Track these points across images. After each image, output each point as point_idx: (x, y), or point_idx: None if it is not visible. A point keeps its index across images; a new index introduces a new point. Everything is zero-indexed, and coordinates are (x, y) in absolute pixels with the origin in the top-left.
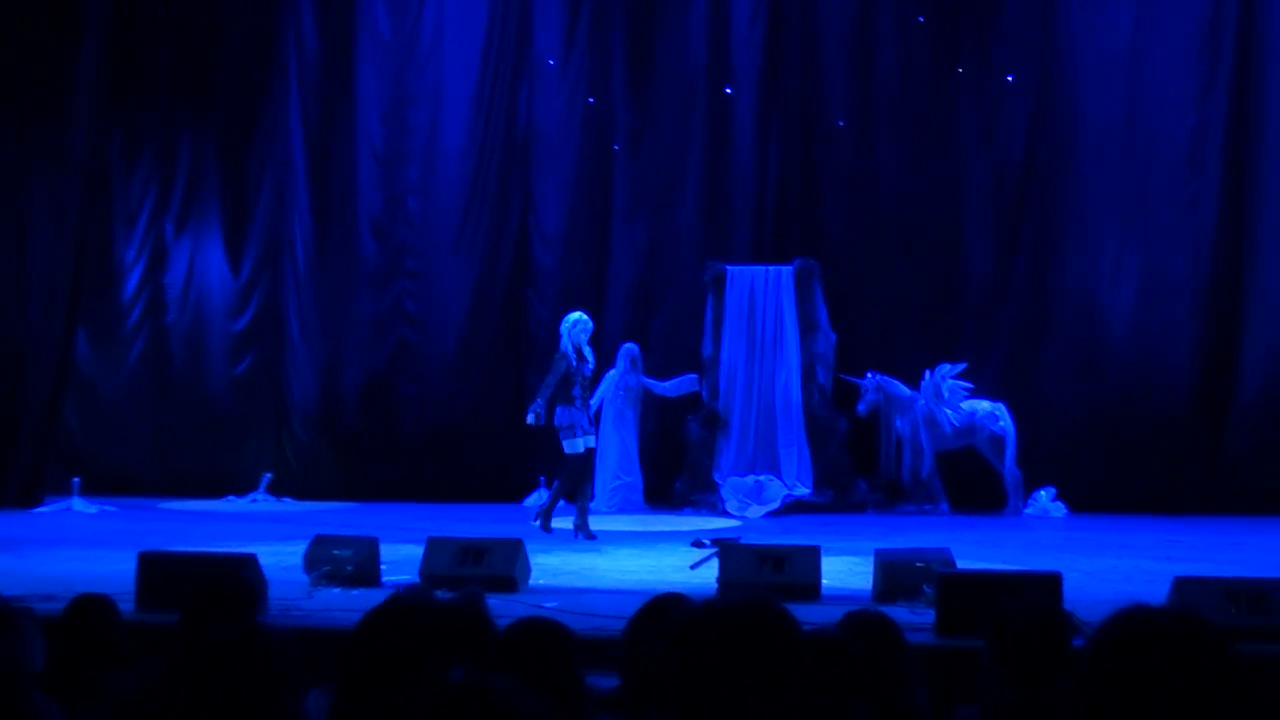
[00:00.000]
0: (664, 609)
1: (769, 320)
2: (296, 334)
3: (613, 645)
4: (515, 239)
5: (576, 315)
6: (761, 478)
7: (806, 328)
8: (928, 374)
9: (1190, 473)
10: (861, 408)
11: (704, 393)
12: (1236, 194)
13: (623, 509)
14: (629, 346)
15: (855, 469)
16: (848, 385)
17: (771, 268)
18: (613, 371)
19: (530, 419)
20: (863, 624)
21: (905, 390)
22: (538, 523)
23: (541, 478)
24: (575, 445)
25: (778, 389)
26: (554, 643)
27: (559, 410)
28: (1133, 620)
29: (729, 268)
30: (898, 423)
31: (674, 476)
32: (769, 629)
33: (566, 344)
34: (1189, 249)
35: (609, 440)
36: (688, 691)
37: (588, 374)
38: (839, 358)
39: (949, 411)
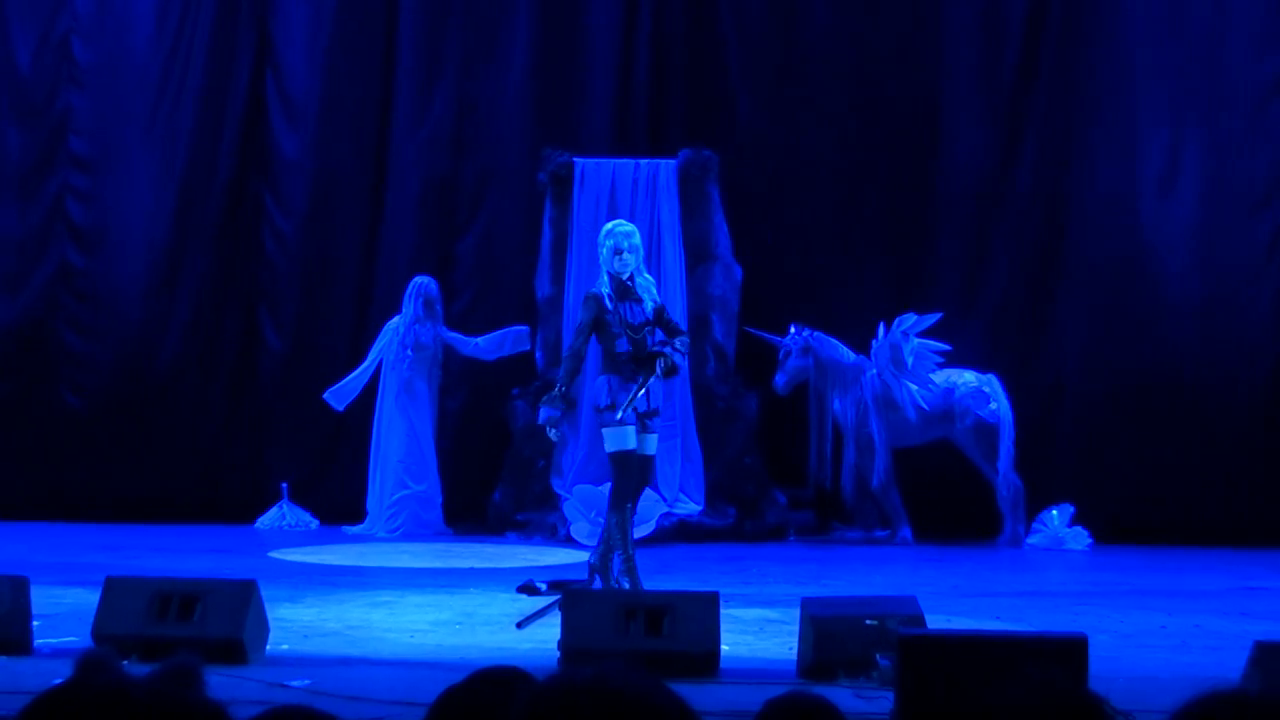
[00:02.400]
0: (479, 695)
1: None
2: None
3: None
4: (244, 111)
5: (611, 225)
6: None
7: (696, 256)
8: (882, 330)
9: (1270, 487)
10: (780, 380)
11: (538, 355)
12: None
13: (410, 533)
14: (421, 282)
15: (770, 474)
16: (760, 346)
17: (644, 162)
18: (395, 320)
19: (545, 415)
20: (786, 715)
21: (848, 354)
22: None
23: (284, 485)
24: (618, 437)
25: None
26: None
27: (593, 385)
28: (1214, 712)
29: (579, 161)
30: (836, 403)
31: (490, 484)
32: None
33: (601, 271)
34: (1272, 151)
35: (390, 428)
36: None
37: (635, 320)
38: (747, 303)
39: (913, 387)
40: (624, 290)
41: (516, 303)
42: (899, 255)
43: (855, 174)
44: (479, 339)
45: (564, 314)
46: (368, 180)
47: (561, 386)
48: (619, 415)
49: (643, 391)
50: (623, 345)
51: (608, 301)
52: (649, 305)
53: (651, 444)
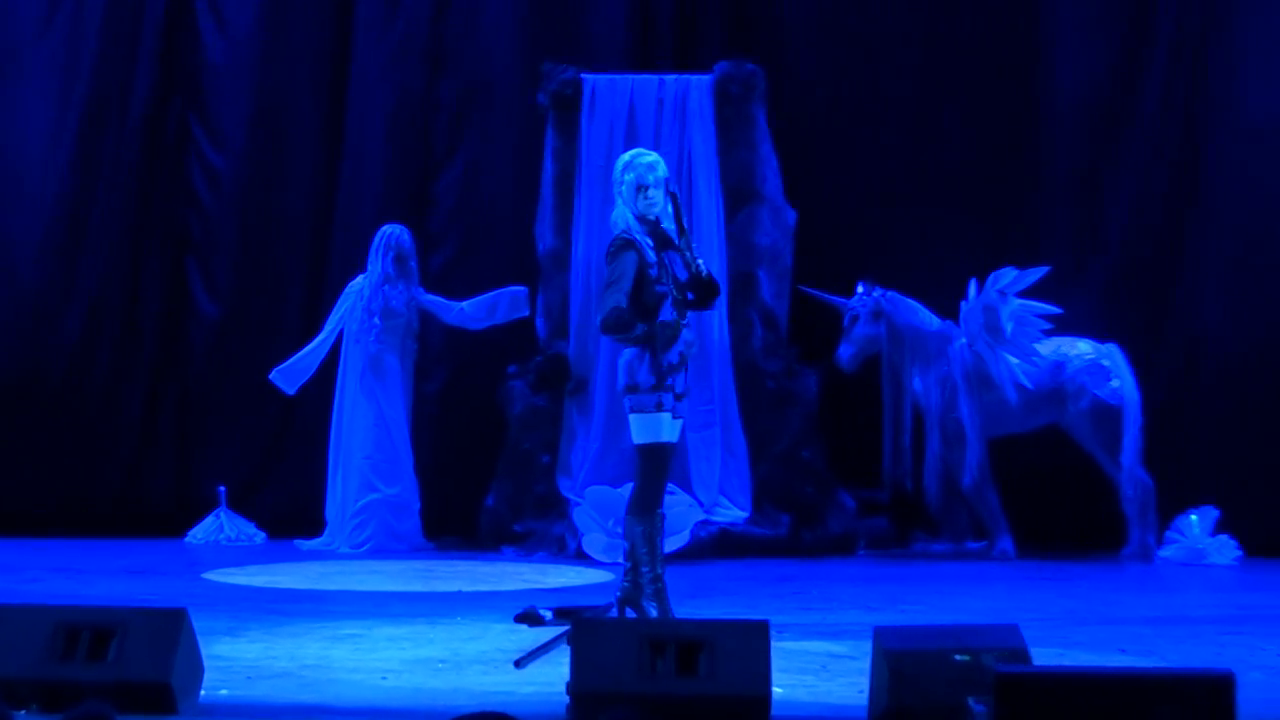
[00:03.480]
0: None
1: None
2: None
3: None
4: (165, 9)
5: (630, 155)
6: None
7: (738, 197)
8: (974, 289)
9: None
10: (845, 353)
11: (539, 323)
12: None
13: (380, 548)
14: (390, 232)
15: (834, 472)
16: (819, 310)
17: (671, 79)
18: (359, 280)
19: (627, 378)
20: None
21: (931, 320)
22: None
23: (221, 489)
24: (654, 426)
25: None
26: None
27: (621, 358)
28: None
29: (588, 77)
30: (916, 382)
31: (481, 487)
32: None
33: (623, 214)
34: None
35: (354, 416)
36: None
37: (682, 276)
38: (801, 256)
39: (1013, 360)
40: (662, 238)
41: (510, 257)
42: (993, 196)
43: (936, 95)
44: (464, 303)
45: (571, 271)
46: (322, 101)
47: (634, 330)
48: (657, 400)
49: (684, 369)
50: (668, 310)
51: (648, 251)
52: (696, 260)
53: (677, 431)
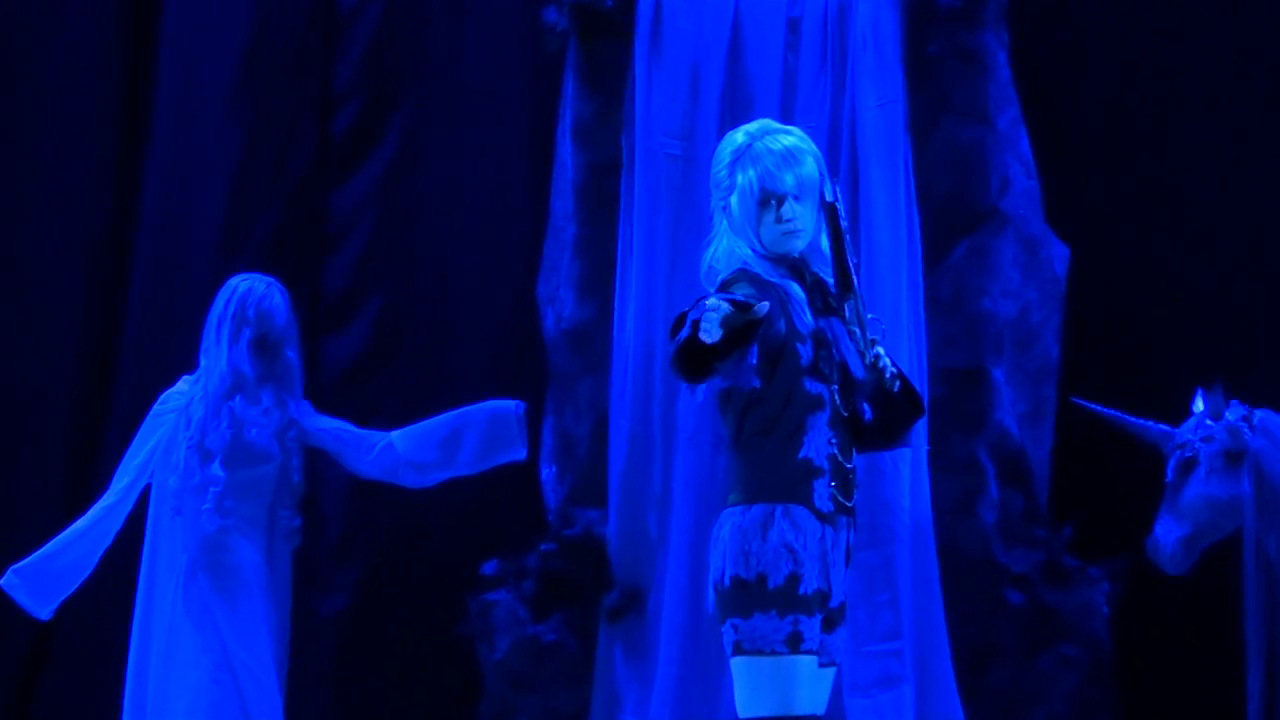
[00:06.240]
0: None
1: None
2: None
3: None
4: None
5: (747, 134)
6: None
7: (956, 214)
8: None
9: None
10: (1172, 534)
11: (548, 474)
12: None
13: None
14: (244, 291)
15: None
16: (1117, 445)
17: None
18: (181, 388)
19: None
20: None
21: None
22: None
23: None
24: (783, 682)
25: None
26: None
27: (721, 535)
28: None
29: None
30: None
31: None
32: None
33: (730, 251)
34: None
35: (173, 657)
36: None
37: (858, 375)
38: (1077, 336)
39: None
40: (818, 289)
41: (485, 340)
42: None
43: None
44: (394, 434)
45: (612, 369)
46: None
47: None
48: (792, 630)
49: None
50: (822, 433)
51: (800, 309)
52: (874, 346)
53: (827, 689)
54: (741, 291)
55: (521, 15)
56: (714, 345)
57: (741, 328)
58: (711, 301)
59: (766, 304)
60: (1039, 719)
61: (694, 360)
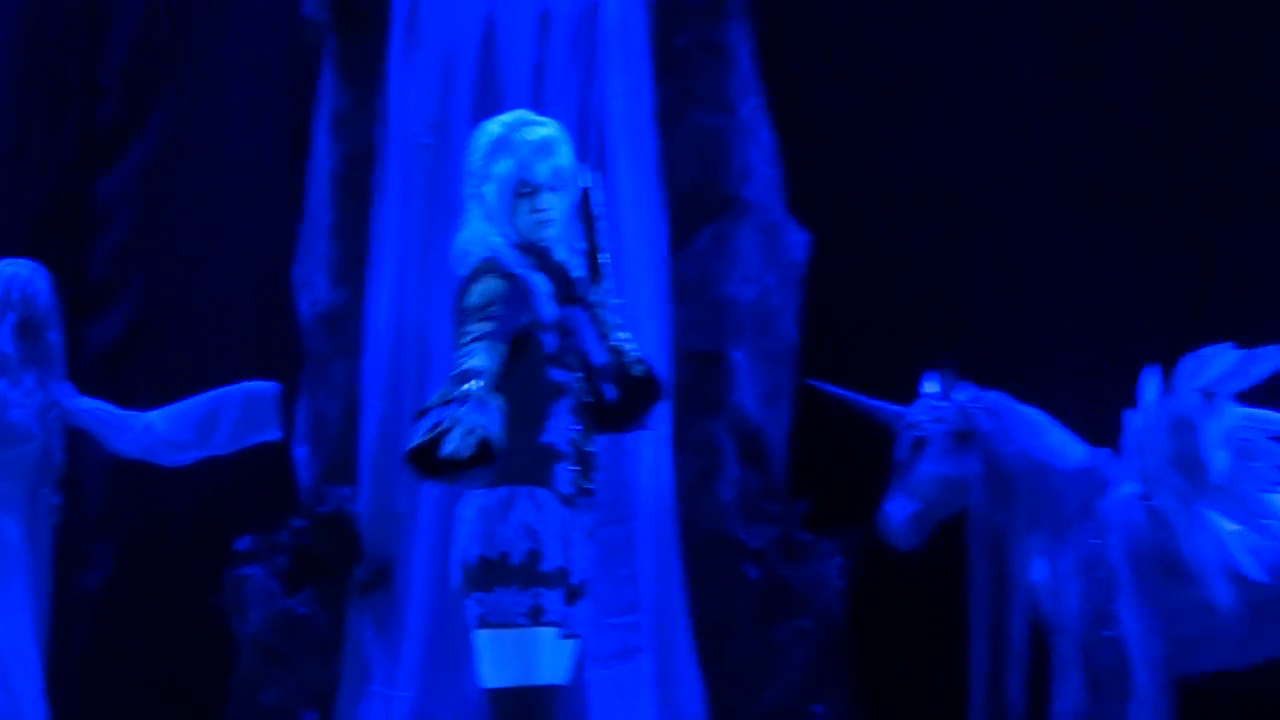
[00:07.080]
0: None
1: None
2: None
3: None
4: None
5: (502, 125)
6: None
7: (699, 201)
8: (1154, 385)
9: None
10: (902, 511)
11: (299, 453)
12: None
13: None
14: (10, 275)
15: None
16: (850, 426)
17: None
18: None
19: (458, 440)
20: None
21: (1070, 449)
22: None
23: None
24: (524, 654)
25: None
26: None
27: (465, 515)
28: None
29: None
30: (1039, 566)
31: None
32: None
33: (483, 238)
34: None
35: None
36: None
37: (598, 361)
38: (815, 320)
39: (1230, 525)
40: (563, 281)
41: (243, 324)
42: (1191, 217)
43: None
44: (154, 414)
45: (365, 352)
46: None
47: (477, 391)
48: (533, 604)
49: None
50: (564, 420)
51: (542, 300)
52: (618, 331)
53: (569, 661)
54: (489, 287)
55: (282, 8)
56: (448, 459)
57: (479, 456)
58: (465, 415)
59: (503, 445)
60: (775, 689)
61: (427, 464)
